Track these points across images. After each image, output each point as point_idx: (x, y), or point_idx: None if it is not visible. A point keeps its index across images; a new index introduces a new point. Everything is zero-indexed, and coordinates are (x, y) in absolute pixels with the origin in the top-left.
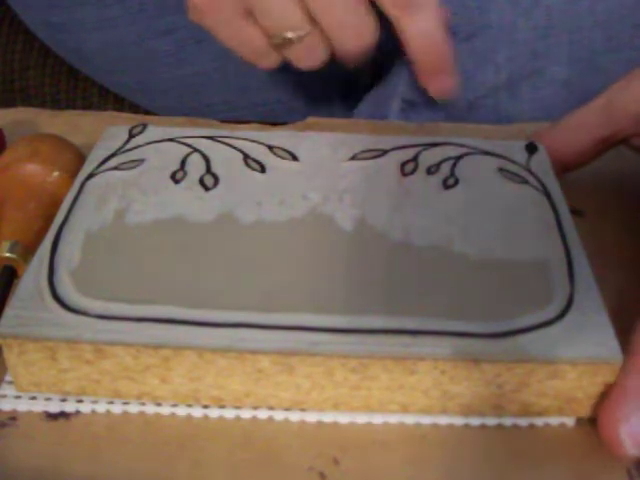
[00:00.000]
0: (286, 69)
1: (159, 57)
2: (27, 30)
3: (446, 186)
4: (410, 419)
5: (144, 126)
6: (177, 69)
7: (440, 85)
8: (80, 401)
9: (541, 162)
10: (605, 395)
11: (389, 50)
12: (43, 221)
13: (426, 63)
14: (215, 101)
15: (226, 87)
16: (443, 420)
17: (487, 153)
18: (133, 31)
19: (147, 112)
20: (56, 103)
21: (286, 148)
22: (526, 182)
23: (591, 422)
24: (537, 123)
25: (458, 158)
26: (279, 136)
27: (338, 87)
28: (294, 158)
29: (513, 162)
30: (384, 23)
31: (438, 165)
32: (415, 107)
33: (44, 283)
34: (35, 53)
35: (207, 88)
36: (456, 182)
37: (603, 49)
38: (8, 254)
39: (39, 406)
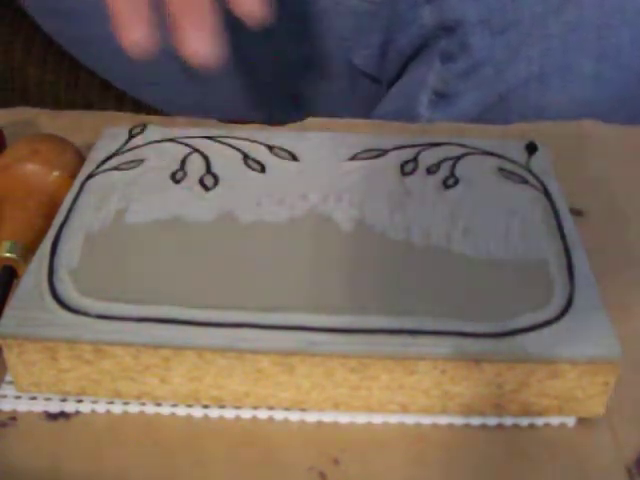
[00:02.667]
0: (301, 64)
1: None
2: (28, 27)
3: (446, 186)
4: (410, 419)
5: (144, 126)
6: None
7: (190, 41)
8: (80, 401)
9: (541, 162)
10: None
11: (418, 44)
12: (43, 221)
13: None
14: (221, 93)
15: (234, 80)
16: (443, 420)
17: (487, 153)
18: None
19: (148, 109)
20: (56, 100)
21: (286, 148)
22: (526, 182)
23: (591, 422)
24: (537, 123)
25: (458, 158)
26: (279, 136)
27: (359, 84)
28: (294, 158)
29: (513, 162)
30: (411, 18)
31: (438, 165)
32: (446, 98)
33: (44, 283)
34: (36, 50)
35: (214, 80)
36: (456, 182)
37: (630, 47)
38: (8, 254)
39: (39, 406)
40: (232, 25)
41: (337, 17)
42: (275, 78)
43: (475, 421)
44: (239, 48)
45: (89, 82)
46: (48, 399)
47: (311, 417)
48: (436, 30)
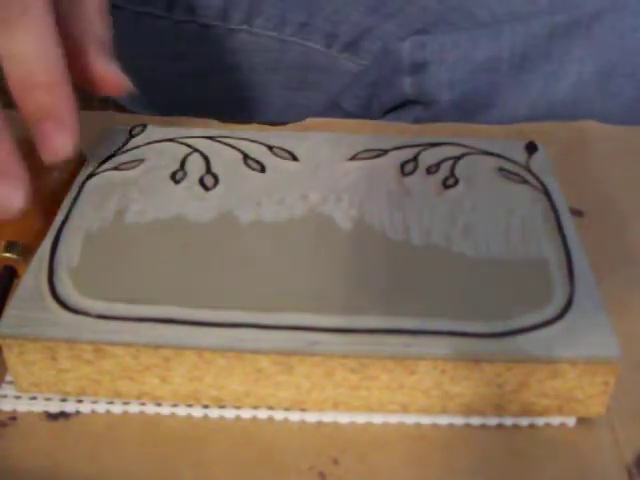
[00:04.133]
0: (298, 105)
1: (168, 79)
2: None
3: (446, 186)
4: (410, 419)
5: (144, 126)
6: (185, 93)
7: (51, 142)
8: (80, 401)
9: (541, 162)
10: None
11: (398, 103)
12: (43, 221)
13: (31, 104)
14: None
15: (233, 117)
16: (443, 420)
17: (487, 153)
18: (145, 52)
19: None
20: None
21: (286, 148)
22: (526, 182)
23: (591, 422)
24: (537, 123)
25: (458, 158)
26: (279, 136)
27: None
28: (294, 158)
29: (513, 162)
30: (393, 83)
31: (438, 165)
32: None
33: (44, 283)
34: None
35: (214, 114)
36: (456, 182)
37: None
38: (8, 254)
39: (39, 406)
40: (235, 67)
41: (333, 73)
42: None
43: (475, 421)
44: (239, 90)
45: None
46: (48, 399)
47: (311, 417)
48: (413, 99)
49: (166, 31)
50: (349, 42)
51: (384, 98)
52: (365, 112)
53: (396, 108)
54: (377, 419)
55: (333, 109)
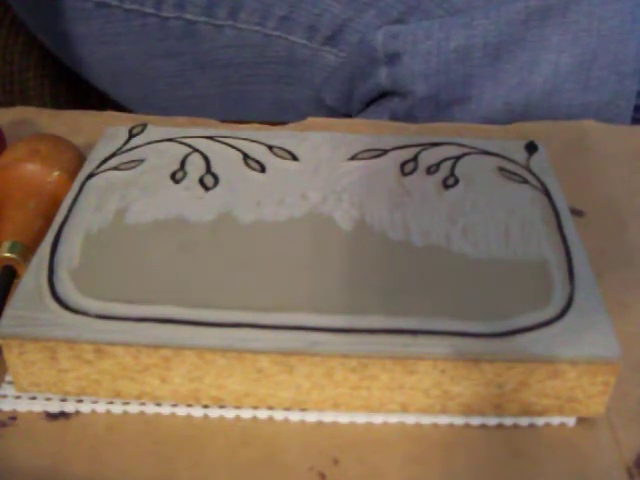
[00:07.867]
0: (286, 100)
1: (160, 77)
2: (27, 31)
3: (446, 186)
4: (410, 419)
5: (144, 126)
6: (178, 90)
7: None
8: (80, 401)
9: (541, 161)
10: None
11: (375, 95)
12: (43, 221)
13: None
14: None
15: (225, 112)
16: (443, 420)
17: (487, 153)
18: (136, 49)
19: None
20: (56, 105)
21: (286, 148)
22: (526, 181)
23: (591, 422)
24: (537, 123)
25: (458, 158)
26: (279, 136)
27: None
28: (294, 158)
29: (513, 162)
30: (370, 73)
31: (438, 165)
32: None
33: (44, 283)
34: (35, 54)
35: (207, 110)
36: (456, 182)
37: None
38: (8, 254)
39: (39, 406)
40: (224, 63)
41: (317, 67)
42: (260, 115)
43: (475, 421)
44: (227, 86)
45: (89, 85)
46: (48, 399)
47: (311, 417)
48: (389, 90)
49: (155, 28)
50: (330, 35)
51: (362, 90)
52: (345, 106)
53: (375, 101)
54: (377, 419)
55: (319, 104)
